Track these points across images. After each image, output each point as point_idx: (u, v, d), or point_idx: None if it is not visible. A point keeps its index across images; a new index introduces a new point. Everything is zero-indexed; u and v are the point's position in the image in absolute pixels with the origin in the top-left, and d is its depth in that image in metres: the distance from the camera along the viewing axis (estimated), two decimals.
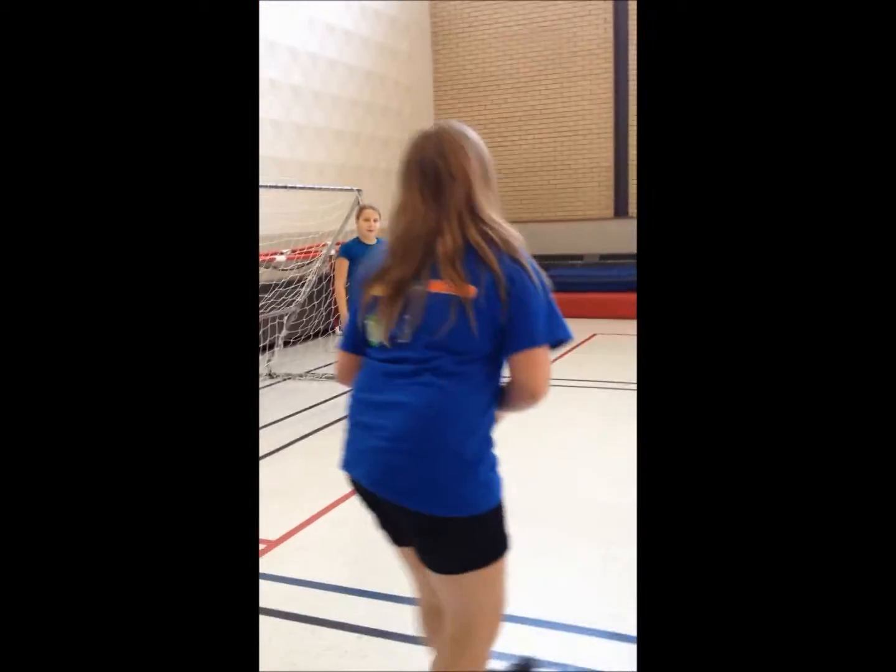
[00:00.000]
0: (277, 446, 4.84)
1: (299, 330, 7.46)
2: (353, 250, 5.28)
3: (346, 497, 3.85)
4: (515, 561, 1.91)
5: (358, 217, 5.25)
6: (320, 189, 6.60)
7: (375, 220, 5.24)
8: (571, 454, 4.60)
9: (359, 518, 3.46)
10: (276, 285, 7.00)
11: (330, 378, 6.71)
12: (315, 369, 7.06)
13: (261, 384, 6.66)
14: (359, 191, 6.42)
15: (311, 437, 5.07)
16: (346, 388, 1.83)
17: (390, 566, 2.99)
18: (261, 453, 4.69)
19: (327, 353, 6.94)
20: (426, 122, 8.02)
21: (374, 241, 5.29)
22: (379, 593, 2.88)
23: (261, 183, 7.09)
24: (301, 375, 6.85)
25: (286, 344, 7.35)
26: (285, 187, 6.10)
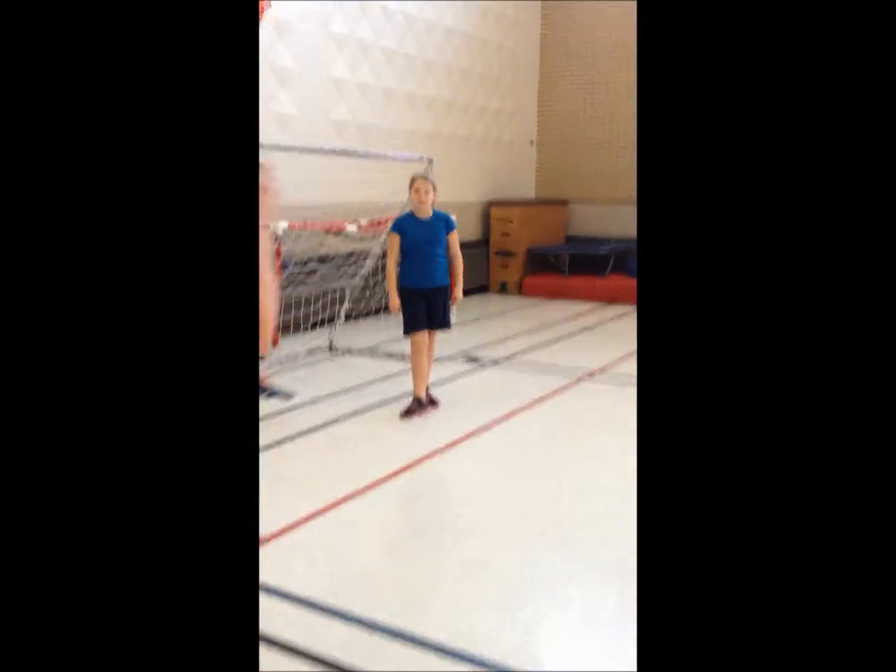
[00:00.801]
0: (305, 427, 4.56)
1: (362, 304, 7.15)
2: (405, 225, 4.87)
3: (353, 495, 3.51)
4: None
5: (410, 188, 4.83)
6: (381, 157, 6.21)
7: (427, 192, 4.79)
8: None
9: (358, 524, 3.18)
10: (335, 257, 6.70)
11: (390, 355, 6.41)
12: (375, 345, 6.77)
13: (320, 357, 6.43)
14: (430, 160, 6.00)
15: (339, 422, 4.76)
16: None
17: (377, 586, 2.67)
18: (295, 430, 4.43)
19: (389, 330, 6.61)
20: (530, 90, 7.57)
21: (428, 215, 4.86)
22: (360, 619, 2.50)
23: (335, 147, 6.82)
24: (360, 351, 6.57)
25: (348, 317, 7.07)
26: (338, 152, 5.74)
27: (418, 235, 4.82)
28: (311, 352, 6.45)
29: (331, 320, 6.78)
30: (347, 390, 5.41)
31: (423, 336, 4.84)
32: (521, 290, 10.49)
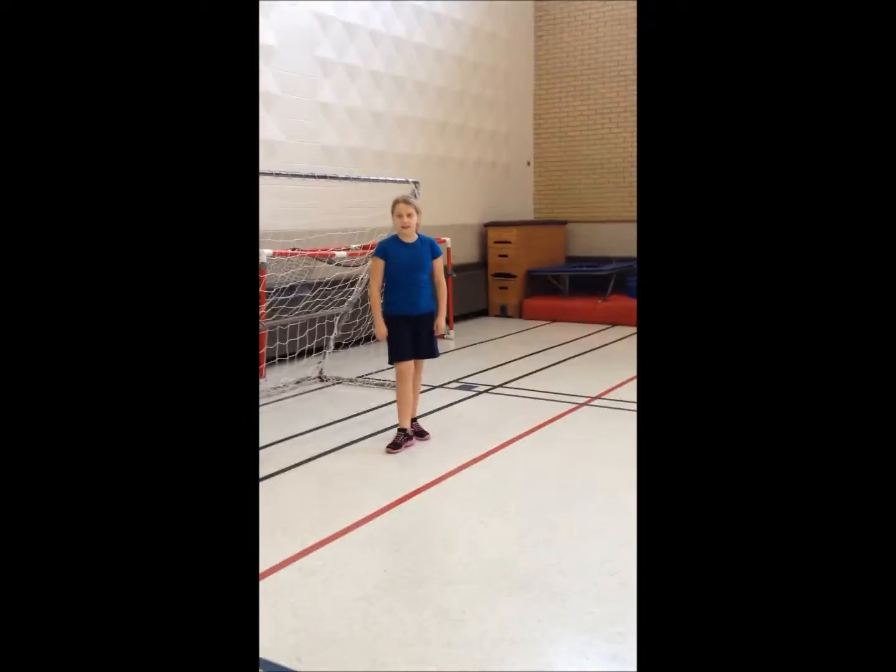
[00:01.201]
0: (291, 462, 4.32)
1: (352, 332, 6.94)
2: (389, 249, 4.65)
3: (330, 538, 3.26)
4: None
5: (392, 212, 4.62)
6: (364, 181, 6.02)
7: (410, 215, 4.57)
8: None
9: (332, 573, 2.90)
10: (323, 284, 6.51)
11: (380, 384, 6.18)
12: (367, 375, 6.55)
13: (311, 387, 6.21)
14: (415, 182, 5.82)
15: (325, 456, 4.52)
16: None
17: (345, 649, 2.39)
18: (286, 464, 4.19)
19: (380, 358, 6.38)
20: (525, 111, 7.49)
21: (412, 238, 4.65)
22: None
23: (331, 173, 6.65)
24: (351, 380, 6.34)
25: (338, 346, 6.86)
26: (325, 177, 5.58)
27: (402, 260, 4.60)
28: (299, 382, 6.23)
29: (319, 349, 6.57)
30: (336, 422, 5.18)
31: (408, 365, 4.62)
32: (521, 313, 10.27)
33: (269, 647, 2.43)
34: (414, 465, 4.35)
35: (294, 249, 6.79)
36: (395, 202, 4.60)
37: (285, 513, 3.59)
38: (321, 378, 6.42)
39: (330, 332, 6.44)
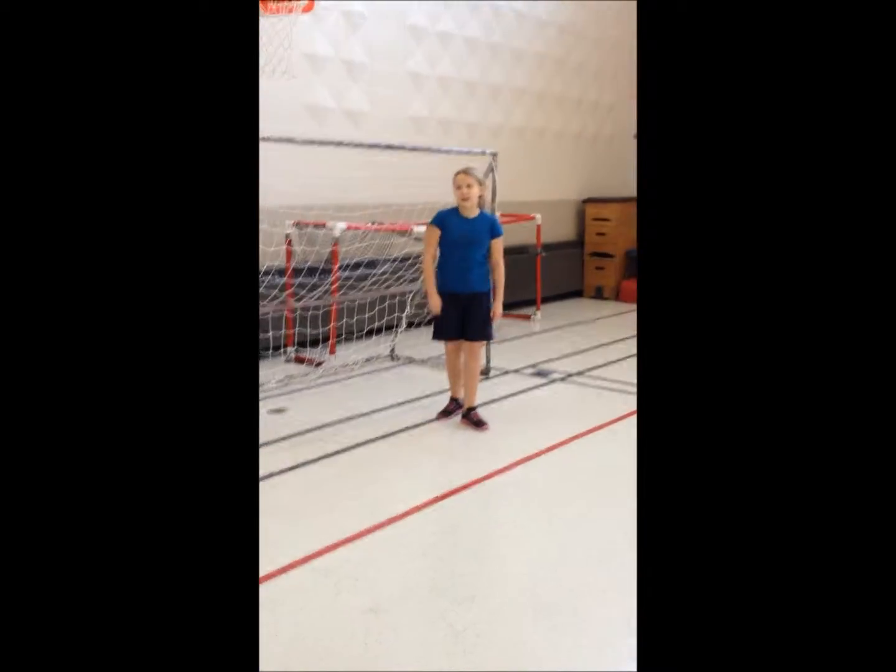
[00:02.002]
0: (343, 446, 4.14)
1: (425, 310, 6.69)
2: (446, 219, 4.37)
3: (352, 538, 3.04)
4: None
5: (453, 183, 4.33)
6: (435, 152, 5.70)
7: (470, 187, 4.27)
8: None
9: (343, 577, 2.65)
10: (395, 260, 6.28)
11: None
12: (440, 355, 6.30)
13: (380, 366, 6.04)
14: (493, 154, 5.46)
15: (384, 439, 4.31)
16: None
17: (335, 655, 2.22)
18: (332, 449, 4.02)
19: None
20: (631, 81, 6.93)
21: (473, 213, 4.34)
22: None
23: (423, 144, 6.41)
24: (422, 361, 6.12)
25: (410, 325, 6.64)
26: (383, 147, 5.30)
27: (457, 234, 4.33)
28: (368, 360, 6.07)
29: (390, 327, 6.38)
30: (397, 405, 4.97)
31: (454, 345, 4.51)
32: (618, 295, 9.73)
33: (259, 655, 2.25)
34: (463, 458, 4.08)
35: (373, 223, 6.61)
36: (456, 174, 4.31)
37: (317, 503, 3.40)
38: (392, 357, 6.23)
39: (402, 310, 6.23)
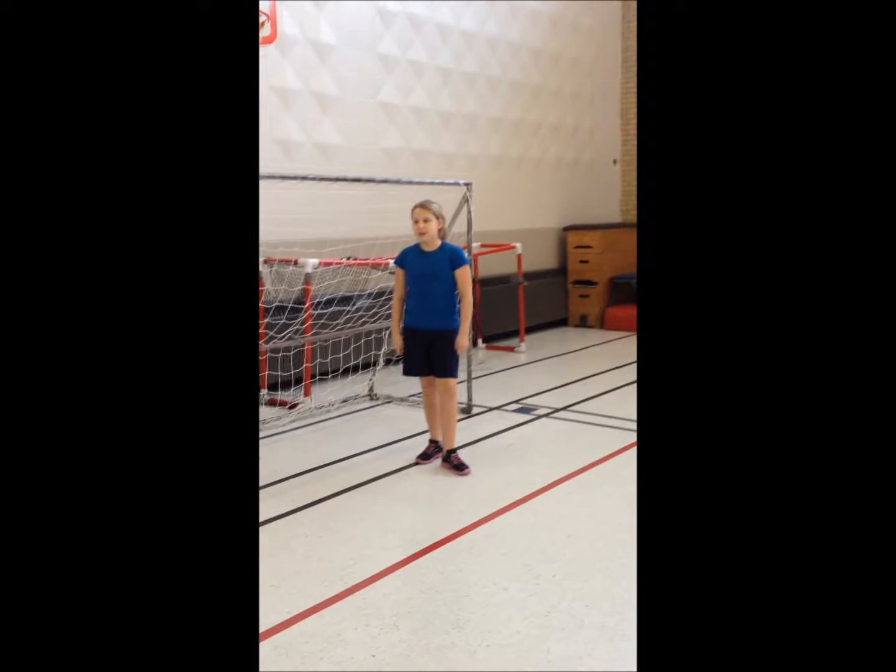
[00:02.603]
0: (315, 498, 3.87)
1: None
2: (407, 256, 4.26)
3: (320, 606, 2.76)
4: None
5: (411, 218, 4.16)
6: (409, 183, 5.51)
7: (426, 221, 4.11)
8: None
9: (305, 656, 2.39)
10: (367, 295, 6.06)
11: None
12: (419, 393, 6.06)
13: (358, 406, 5.78)
14: (467, 184, 5.27)
15: (360, 488, 4.04)
16: None
17: None
18: (303, 501, 3.75)
19: None
20: (611, 105, 6.90)
21: (433, 247, 4.17)
22: None
23: (394, 177, 6.23)
24: (402, 400, 5.87)
25: (388, 362, 6.39)
26: (350, 181, 5.12)
27: (417, 269, 4.23)
28: (346, 401, 5.81)
29: (368, 365, 6.14)
30: (374, 449, 4.71)
31: (427, 381, 4.38)
32: (602, 323, 9.54)
33: None
34: (442, 509, 3.82)
35: (348, 258, 6.40)
36: (413, 208, 4.15)
37: (281, 567, 3.12)
38: (371, 396, 5.98)
39: (379, 348, 5.99)
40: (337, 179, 4.91)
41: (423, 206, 4.15)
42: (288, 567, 3.12)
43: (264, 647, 2.51)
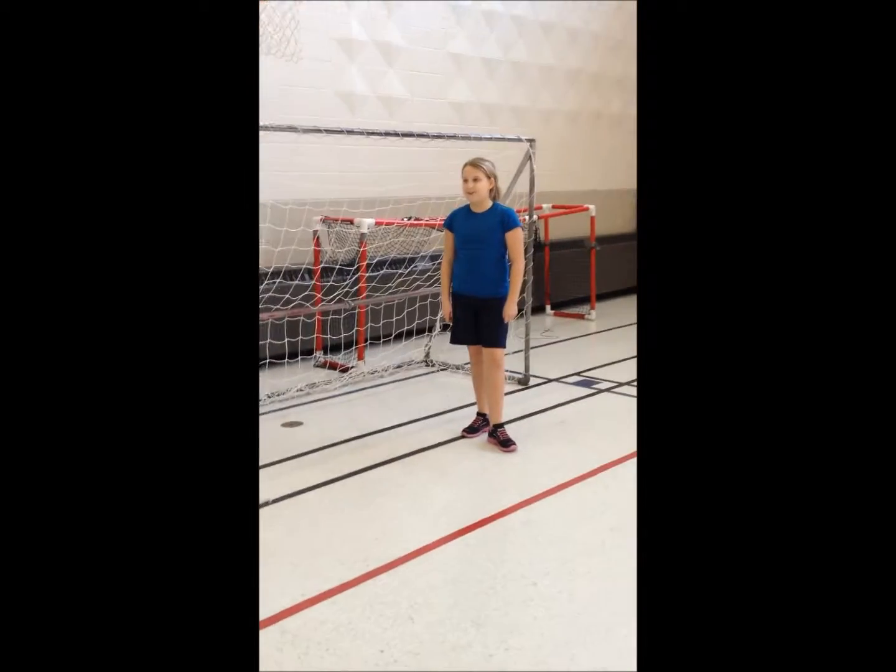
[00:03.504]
0: (352, 469, 3.72)
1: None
2: (455, 219, 4.01)
3: (334, 591, 2.60)
4: None
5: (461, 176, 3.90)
6: (465, 139, 5.18)
7: (476, 180, 3.83)
8: None
9: (310, 646, 2.24)
10: (426, 258, 5.83)
11: None
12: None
13: (412, 373, 5.61)
14: (530, 141, 4.93)
15: (400, 460, 3.87)
16: None
17: None
18: (338, 472, 3.62)
19: None
20: None
21: (482, 208, 3.90)
22: None
23: (462, 132, 5.94)
24: (458, 367, 5.65)
25: (446, 328, 6.17)
26: (412, 135, 4.84)
27: (464, 232, 3.96)
28: (400, 366, 5.64)
29: (423, 331, 5.94)
30: (424, 419, 4.54)
31: (474, 350, 4.14)
32: None
33: None
34: (482, 489, 3.60)
35: (409, 218, 6.17)
36: (463, 166, 3.88)
37: (305, 544, 2.99)
38: (427, 362, 5.79)
39: (436, 313, 5.77)
40: (404, 135, 4.66)
41: (474, 163, 3.88)
42: (310, 545, 2.98)
43: (272, 632, 2.38)
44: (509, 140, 5.09)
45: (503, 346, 4.00)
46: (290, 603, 2.54)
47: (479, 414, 4.26)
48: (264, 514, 3.21)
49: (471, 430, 4.19)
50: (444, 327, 6.15)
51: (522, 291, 4.24)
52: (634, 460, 3.85)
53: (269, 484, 3.50)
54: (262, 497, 3.33)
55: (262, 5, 4.58)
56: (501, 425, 4.07)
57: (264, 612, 2.46)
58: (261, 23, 5.03)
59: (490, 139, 5.19)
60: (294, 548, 2.94)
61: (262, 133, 4.94)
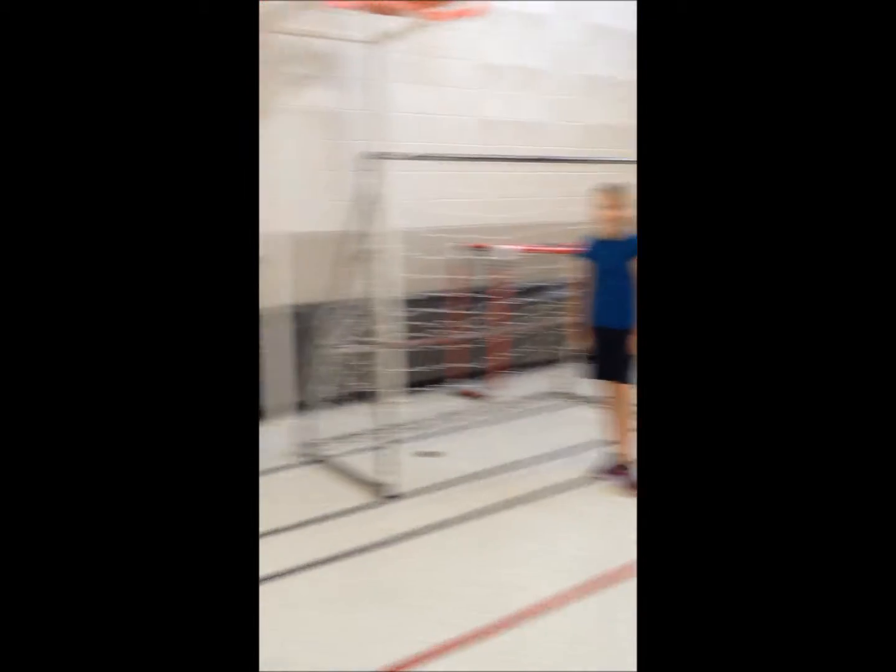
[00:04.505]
0: (464, 511, 3.59)
1: None
2: (592, 248, 3.80)
3: (431, 654, 2.45)
4: None
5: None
6: (580, 162, 4.95)
7: (611, 208, 3.62)
8: None
9: None
10: (560, 286, 5.62)
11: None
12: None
13: (553, 403, 5.41)
14: None
15: (531, 501, 3.69)
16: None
17: None
18: (448, 514, 3.50)
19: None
20: None
21: (615, 236, 3.70)
22: None
23: (593, 156, 5.74)
24: (590, 400, 5.38)
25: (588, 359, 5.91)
26: (519, 160, 4.68)
27: (599, 262, 3.79)
28: (538, 397, 5.46)
29: (557, 361, 5.73)
30: (565, 453, 4.34)
31: (613, 386, 3.85)
32: None
33: None
34: (614, 536, 3.32)
35: (547, 245, 6.00)
36: (596, 192, 3.69)
37: (421, 588, 2.86)
38: (567, 394, 5.57)
39: (569, 343, 5.55)
40: (539, 160, 4.55)
41: (609, 190, 3.68)
42: (427, 589, 2.85)
43: None
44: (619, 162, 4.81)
45: (629, 381, 3.76)
46: (400, 656, 2.41)
47: (614, 454, 4.01)
48: (385, 555, 3.14)
49: (607, 471, 3.94)
50: (588, 358, 5.92)
51: None
52: None
53: (394, 519, 3.45)
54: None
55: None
56: (625, 466, 3.81)
57: (370, 661, 2.36)
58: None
59: (606, 161, 4.93)
60: (408, 593, 2.83)
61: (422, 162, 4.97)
